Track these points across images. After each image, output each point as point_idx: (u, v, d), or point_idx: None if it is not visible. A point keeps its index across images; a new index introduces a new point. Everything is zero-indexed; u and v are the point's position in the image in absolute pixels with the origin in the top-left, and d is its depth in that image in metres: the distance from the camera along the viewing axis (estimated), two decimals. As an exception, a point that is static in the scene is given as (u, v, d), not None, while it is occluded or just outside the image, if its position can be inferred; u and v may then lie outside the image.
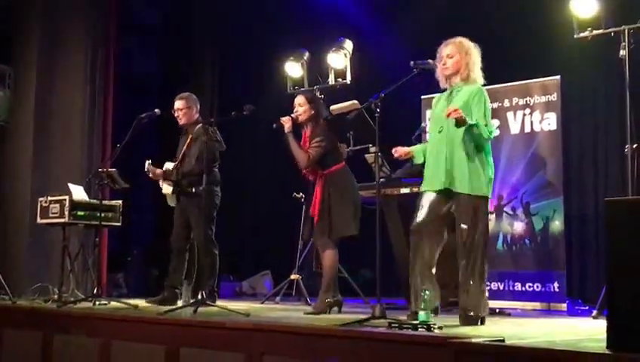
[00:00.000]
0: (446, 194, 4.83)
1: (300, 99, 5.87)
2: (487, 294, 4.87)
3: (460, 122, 4.61)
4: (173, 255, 6.68)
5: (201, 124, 6.61)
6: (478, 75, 4.94)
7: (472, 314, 4.68)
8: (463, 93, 4.86)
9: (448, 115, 4.63)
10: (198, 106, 6.84)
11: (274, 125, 5.76)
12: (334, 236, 5.66)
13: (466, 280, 4.73)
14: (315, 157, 5.68)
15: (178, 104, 6.73)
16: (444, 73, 4.93)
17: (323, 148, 5.69)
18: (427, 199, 4.88)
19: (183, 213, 6.62)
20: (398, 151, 5.06)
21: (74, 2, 8.46)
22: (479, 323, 4.68)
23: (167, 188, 6.62)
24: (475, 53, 4.93)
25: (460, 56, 4.89)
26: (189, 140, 6.64)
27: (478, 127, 4.68)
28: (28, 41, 8.32)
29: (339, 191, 5.67)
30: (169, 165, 6.67)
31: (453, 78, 4.93)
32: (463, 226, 4.74)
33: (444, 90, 5.01)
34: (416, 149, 5.13)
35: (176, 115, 6.72)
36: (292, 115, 5.78)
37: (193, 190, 6.47)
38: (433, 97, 5.21)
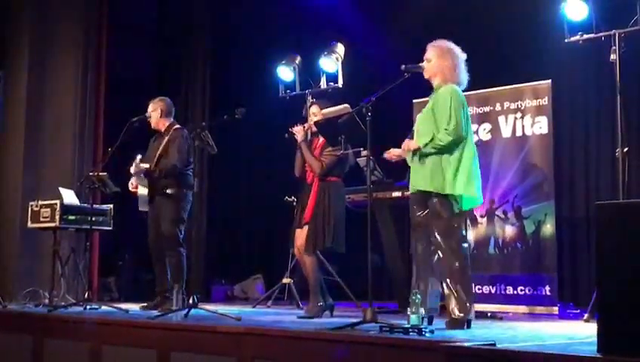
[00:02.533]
0: (424, 196, 4.88)
1: (314, 109, 6.00)
2: (471, 296, 4.87)
3: (413, 151, 4.86)
4: (155, 260, 6.64)
5: (177, 127, 6.68)
6: (457, 78, 4.96)
7: (457, 316, 4.69)
8: (435, 96, 4.96)
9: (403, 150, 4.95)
10: (167, 110, 6.80)
11: (286, 135, 5.90)
12: (326, 245, 5.69)
13: (449, 282, 4.75)
14: (328, 165, 5.78)
15: (150, 105, 6.77)
16: (425, 76, 5.02)
17: (337, 157, 5.77)
18: (413, 201, 4.98)
19: (156, 215, 6.57)
20: (391, 153, 5.07)
21: (65, 4, 8.44)
22: (465, 326, 4.67)
23: (143, 190, 6.56)
24: (453, 55, 4.97)
25: (435, 60, 4.96)
26: (165, 142, 6.60)
27: (432, 141, 4.79)
28: (18, 43, 8.30)
29: (333, 203, 5.74)
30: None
31: (434, 80, 5.00)
32: (435, 227, 4.79)
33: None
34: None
35: (148, 114, 6.75)
36: (304, 124, 5.90)
37: (168, 191, 6.45)
38: (424, 101, 5.22)
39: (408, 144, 4.91)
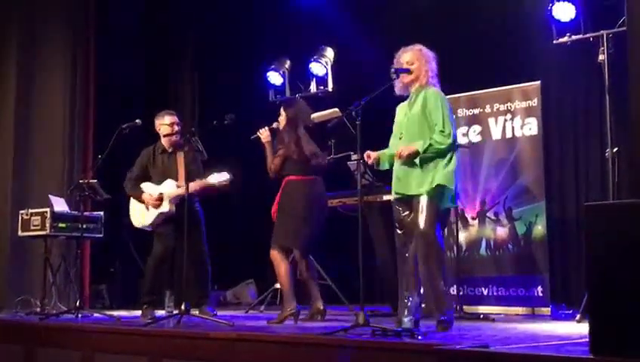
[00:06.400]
0: (409, 200, 4.86)
1: (282, 109, 5.96)
2: (447, 296, 4.91)
3: (413, 156, 4.74)
4: (167, 269, 6.63)
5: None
6: (435, 82, 4.99)
7: (443, 318, 4.71)
8: (420, 98, 4.91)
9: (399, 157, 4.77)
10: None
11: (251, 137, 5.92)
12: (273, 242, 5.79)
13: (431, 284, 4.75)
14: (276, 166, 5.83)
15: (174, 118, 6.52)
16: (404, 80, 4.95)
17: (281, 157, 5.81)
18: (398, 207, 4.95)
19: (179, 227, 6.09)
20: (370, 155, 4.99)
21: (52, 9, 8.40)
22: (450, 327, 4.67)
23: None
24: (432, 59, 4.99)
25: (419, 64, 4.94)
26: (184, 157, 6.35)
27: (431, 146, 4.74)
28: (5, 49, 8.25)
29: (287, 201, 5.76)
30: (167, 187, 6.34)
31: (414, 83, 4.96)
32: (420, 228, 4.75)
33: (407, 97, 5.03)
34: (382, 154, 5.04)
35: (173, 129, 6.44)
36: (272, 126, 5.89)
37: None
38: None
39: (408, 149, 4.77)
